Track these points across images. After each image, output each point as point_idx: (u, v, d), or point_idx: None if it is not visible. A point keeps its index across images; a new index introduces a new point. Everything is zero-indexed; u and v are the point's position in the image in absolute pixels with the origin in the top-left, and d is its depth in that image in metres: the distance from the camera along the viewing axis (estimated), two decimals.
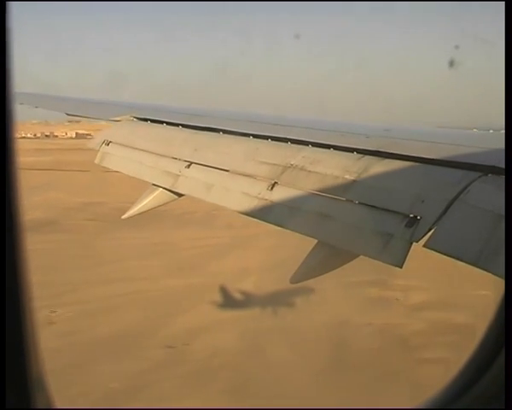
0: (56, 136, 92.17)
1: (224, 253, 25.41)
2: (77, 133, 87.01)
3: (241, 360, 15.16)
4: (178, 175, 5.27)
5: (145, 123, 6.50)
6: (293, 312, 19.00)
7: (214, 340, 16.37)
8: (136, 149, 6.09)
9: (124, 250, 25.19)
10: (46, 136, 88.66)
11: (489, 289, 20.51)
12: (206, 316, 18.17)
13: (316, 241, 3.92)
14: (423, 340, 16.71)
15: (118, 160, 6.28)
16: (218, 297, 19.86)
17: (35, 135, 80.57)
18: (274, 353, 15.71)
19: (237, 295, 20.13)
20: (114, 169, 6.31)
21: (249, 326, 17.44)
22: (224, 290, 20.42)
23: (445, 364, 14.64)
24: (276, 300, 19.84)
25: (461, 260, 2.90)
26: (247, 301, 19.71)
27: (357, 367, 14.83)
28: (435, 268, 16.24)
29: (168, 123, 6.18)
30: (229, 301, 19.74)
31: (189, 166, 5.23)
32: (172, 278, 21.67)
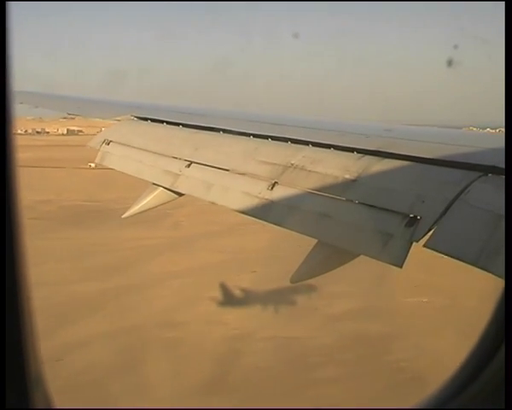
0: (48, 132, 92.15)
1: (156, 255, 24.96)
2: (68, 130, 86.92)
3: (112, 377, 14.17)
4: (178, 174, 5.26)
5: (145, 122, 6.50)
6: (198, 322, 17.93)
7: (93, 354, 15.40)
8: (137, 148, 6.09)
9: (53, 252, 24.32)
10: (37, 132, 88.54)
11: (430, 295, 18.82)
12: (97, 327, 17.09)
13: (315, 241, 3.92)
14: (324, 356, 15.80)
15: (118, 159, 6.28)
16: (124, 304, 18.75)
17: (26, 131, 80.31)
18: (151, 369, 14.62)
19: (145, 303, 19.05)
20: (115, 168, 6.31)
21: (140, 338, 16.28)
22: (134, 297, 19.45)
23: (336, 385, 13.98)
24: (186, 309, 18.95)
25: (461, 260, 2.90)
26: (152, 310, 18.53)
27: (232, 388, 13.91)
28: (376, 273, 15.56)
29: (168, 122, 6.18)
30: (133, 309, 18.46)
31: (189, 166, 5.22)
32: (89, 281, 20.98)
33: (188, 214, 28.58)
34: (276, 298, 19.11)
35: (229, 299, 19.79)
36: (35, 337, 1.64)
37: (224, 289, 20.57)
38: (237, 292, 20.43)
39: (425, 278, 19.07)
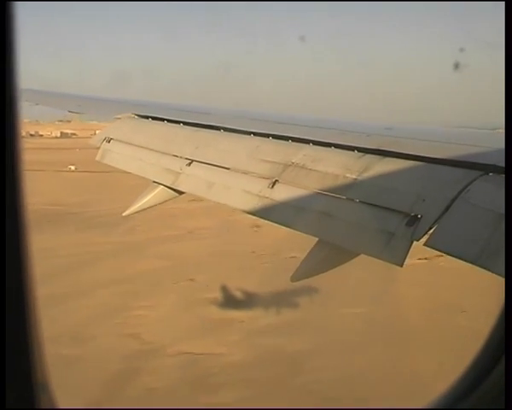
0: (41, 135, 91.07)
1: (98, 261, 24.04)
2: (62, 132, 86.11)
3: None
4: (179, 173, 5.27)
5: (146, 120, 6.50)
6: (109, 336, 16.83)
7: None
8: (137, 146, 6.10)
9: None
10: (31, 135, 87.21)
11: (366, 306, 17.58)
12: None
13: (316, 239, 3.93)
14: (229, 376, 14.58)
15: (118, 157, 6.30)
16: (40, 317, 17.51)
17: None
18: None
19: (63, 314, 17.81)
20: (115, 166, 6.33)
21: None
22: (55, 307, 17.91)
23: None
24: (102, 321, 18.02)
25: (461, 259, 2.91)
26: (66, 322, 17.41)
27: None
28: (311, 283, 13.94)
29: (169, 120, 6.19)
30: (46, 322, 16.72)
31: (189, 164, 5.23)
32: None
33: (147, 219, 28.28)
34: (203, 309, 18.44)
35: (151, 310, 18.98)
36: (40, 339, 1.65)
37: (151, 298, 19.87)
38: (163, 302, 19.61)
39: (366, 287, 18.26)
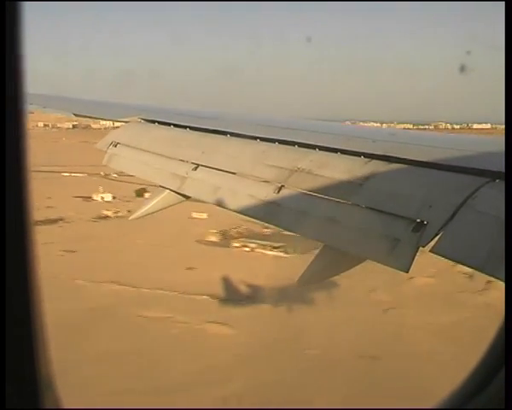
0: None
1: None
2: None
3: None
4: (185, 177, 5.28)
5: (153, 125, 6.51)
6: None
7: None
8: (144, 150, 6.11)
9: None
10: None
11: None
12: None
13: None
14: None
15: (125, 161, 6.30)
16: None
17: None
18: None
19: None
20: (121, 170, 6.34)
21: None
22: None
23: None
24: None
25: (467, 266, 2.89)
26: None
27: None
28: None
29: (176, 125, 6.19)
30: None
31: (196, 169, 5.24)
32: None
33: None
34: None
35: None
36: (45, 340, 1.64)
37: None
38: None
39: None
